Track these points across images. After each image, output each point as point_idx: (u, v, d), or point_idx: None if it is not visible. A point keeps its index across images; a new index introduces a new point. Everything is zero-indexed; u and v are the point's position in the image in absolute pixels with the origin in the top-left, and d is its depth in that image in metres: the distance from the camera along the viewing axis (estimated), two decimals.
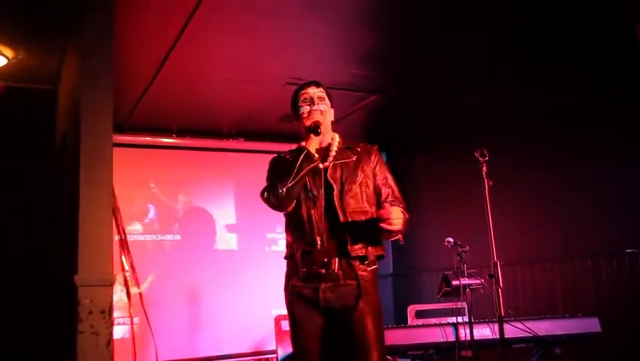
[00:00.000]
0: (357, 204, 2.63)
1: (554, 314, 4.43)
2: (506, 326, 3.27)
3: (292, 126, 6.56)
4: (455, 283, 3.75)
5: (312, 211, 2.59)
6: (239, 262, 6.61)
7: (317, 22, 4.48)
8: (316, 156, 2.63)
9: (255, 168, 6.72)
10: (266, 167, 2.87)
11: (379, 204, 2.70)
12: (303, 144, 2.68)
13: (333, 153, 2.72)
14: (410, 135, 6.99)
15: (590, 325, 3.98)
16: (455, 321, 3.86)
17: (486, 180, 3.26)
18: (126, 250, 5.37)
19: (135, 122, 6.25)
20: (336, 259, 2.55)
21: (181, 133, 6.64)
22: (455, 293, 3.79)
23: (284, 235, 7.36)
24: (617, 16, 4.21)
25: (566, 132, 5.11)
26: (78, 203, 3.32)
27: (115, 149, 3.48)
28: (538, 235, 5.32)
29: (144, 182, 6.43)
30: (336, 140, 2.78)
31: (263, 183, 2.77)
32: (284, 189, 2.54)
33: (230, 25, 4.45)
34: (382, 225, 2.46)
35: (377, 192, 2.74)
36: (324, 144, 2.75)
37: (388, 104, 6.15)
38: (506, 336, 3.20)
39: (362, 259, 2.58)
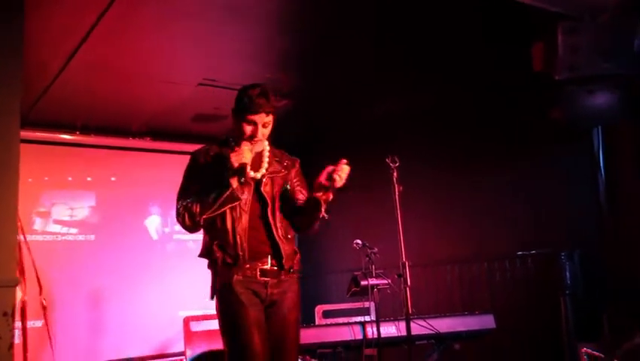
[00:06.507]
0: (284, 220, 2.79)
1: (453, 312, 4.68)
2: (411, 324, 3.45)
3: (203, 127, 6.60)
4: (363, 283, 3.89)
5: (238, 222, 2.66)
6: (145, 264, 6.48)
7: (233, 26, 4.51)
8: (241, 199, 2.66)
9: (163, 168, 6.69)
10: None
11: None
12: (232, 142, 2.76)
13: (265, 165, 2.80)
14: (321, 140, 7.12)
15: (486, 321, 4.26)
16: (362, 320, 4.00)
17: (396, 186, 3.43)
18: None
19: (36, 117, 5.97)
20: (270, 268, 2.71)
21: (85, 130, 6.40)
22: (364, 293, 3.93)
23: (190, 237, 7.22)
24: (517, 34, 4.52)
25: (467, 141, 5.43)
26: None
27: None
28: (439, 239, 5.61)
29: (44, 180, 6.17)
30: (267, 148, 2.86)
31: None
32: (204, 216, 2.61)
33: (145, 23, 4.40)
34: (333, 175, 2.56)
35: (292, 197, 2.86)
36: (257, 150, 2.80)
37: (300, 110, 6.25)
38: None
39: (290, 269, 2.76)
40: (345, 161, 2.61)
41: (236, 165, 2.62)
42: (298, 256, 2.83)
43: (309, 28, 4.64)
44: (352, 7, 4.35)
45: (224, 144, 2.82)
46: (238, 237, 2.65)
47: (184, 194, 2.73)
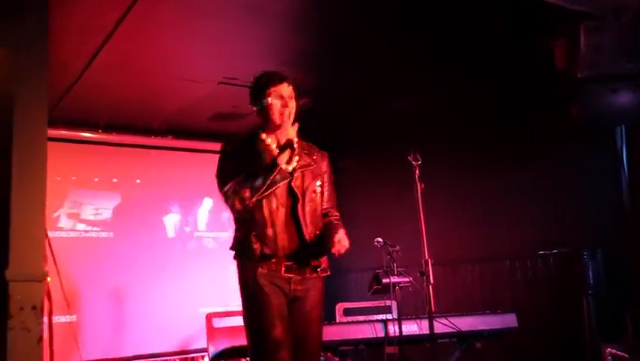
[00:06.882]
0: (315, 213, 2.78)
1: (473, 311, 4.67)
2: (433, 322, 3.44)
3: (222, 125, 6.64)
4: (385, 281, 3.89)
5: (275, 216, 2.67)
6: (166, 261, 6.53)
7: (252, 24, 4.54)
8: (289, 170, 2.70)
9: (183, 166, 6.75)
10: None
11: None
12: (260, 130, 2.77)
13: (295, 157, 2.77)
14: (342, 138, 7.13)
15: (508, 320, 4.24)
16: (384, 318, 4.00)
17: (418, 183, 3.43)
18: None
19: (59, 116, 6.04)
20: (296, 265, 2.71)
21: (108, 128, 6.47)
22: (385, 291, 3.93)
23: (210, 234, 7.25)
24: (537, 31, 4.50)
25: (488, 140, 5.41)
26: (9, 198, 3.22)
27: None
28: (459, 237, 5.58)
29: (71, 179, 6.25)
30: (295, 140, 2.80)
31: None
32: (253, 199, 2.61)
33: (167, 22, 4.44)
34: (333, 250, 2.64)
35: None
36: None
37: (317, 109, 6.26)
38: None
39: (317, 267, 2.76)
40: (338, 233, 2.68)
41: (282, 141, 2.66)
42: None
43: (328, 25, 4.66)
44: (368, 6, 4.35)
45: (253, 135, 2.83)
46: (277, 228, 2.66)
47: (226, 179, 2.70)
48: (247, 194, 2.61)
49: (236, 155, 2.76)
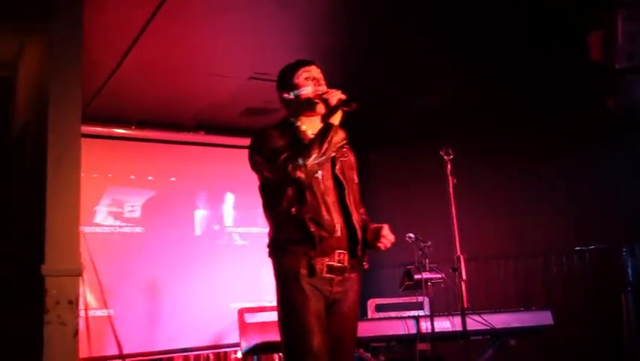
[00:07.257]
0: (356, 204, 2.71)
1: (507, 308, 4.60)
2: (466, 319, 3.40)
3: (253, 121, 6.65)
4: (417, 277, 3.86)
5: (327, 198, 2.58)
6: (198, 257, 6.59)
7: (284, 19, 4.54)
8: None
9: (214, 162, 6.79)
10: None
11: None
12: (292, 119, 2.69)
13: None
14: (370, 134, 7.09)
15: (543, 318, 4.16)
16: (416, 314, 3.97)
17: (450, 178, 3.38)
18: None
19: (92, 113, 6.13)
20: (347, 254, 2.60)
21: (140, 125, 6.55)
22: (417, 287, 3.90)
23: (242, 230, 7.23)
24: (572, 24, 4.40)
25: (521, 135, 5.32)
26: (45, 193, 3.28)
27: None
28: (493, 233, 5.52)
29: (104, 175, 6.35)
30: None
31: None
32: (314, 162, 2.48)
33: (198, 18, 4.46)
34: (379, 244, 2.62)
35: None
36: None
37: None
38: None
39: (363, 257, 2.68)
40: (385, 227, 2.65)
41: (334, 101, 2.55)
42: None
43: (357, 22, 4.64)
44: (397, 6, 4.32)
45: (282, 123, 2.74)
46: (330, 208, 2.57)
47: (277, 152, 2.55)
48: (307, 159, 2.47)
49: (271, 137, 2.64)
